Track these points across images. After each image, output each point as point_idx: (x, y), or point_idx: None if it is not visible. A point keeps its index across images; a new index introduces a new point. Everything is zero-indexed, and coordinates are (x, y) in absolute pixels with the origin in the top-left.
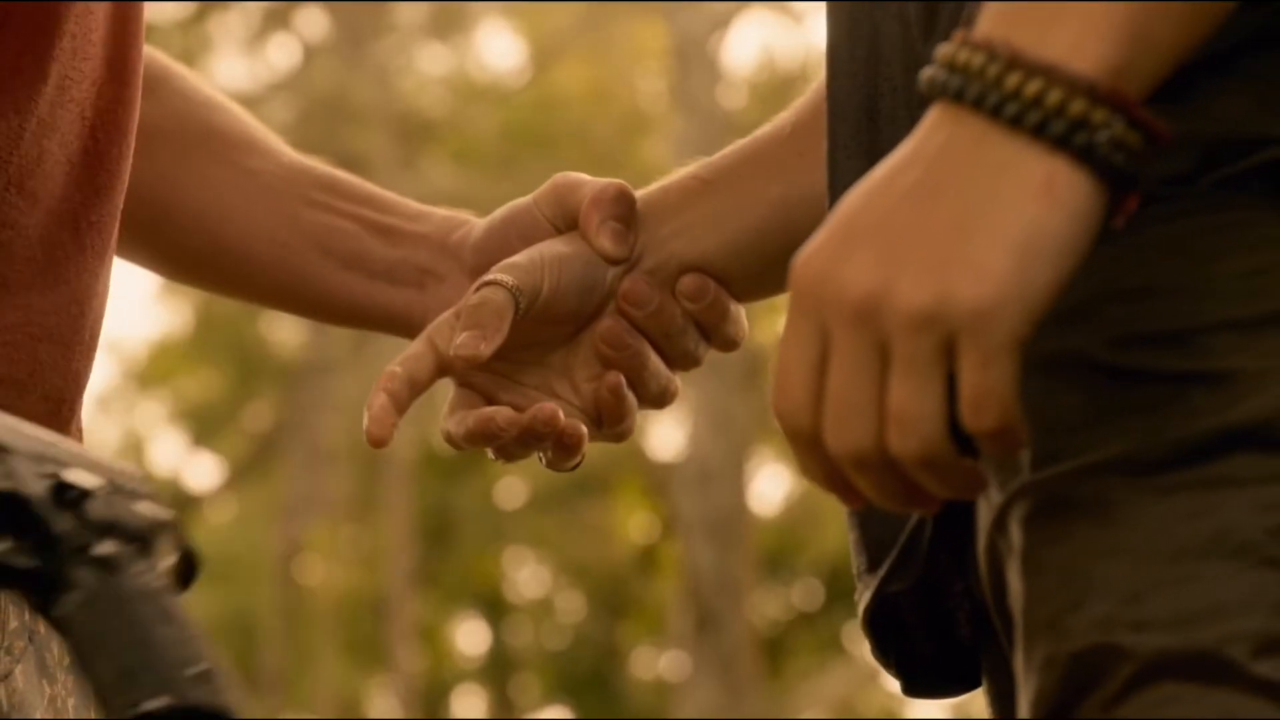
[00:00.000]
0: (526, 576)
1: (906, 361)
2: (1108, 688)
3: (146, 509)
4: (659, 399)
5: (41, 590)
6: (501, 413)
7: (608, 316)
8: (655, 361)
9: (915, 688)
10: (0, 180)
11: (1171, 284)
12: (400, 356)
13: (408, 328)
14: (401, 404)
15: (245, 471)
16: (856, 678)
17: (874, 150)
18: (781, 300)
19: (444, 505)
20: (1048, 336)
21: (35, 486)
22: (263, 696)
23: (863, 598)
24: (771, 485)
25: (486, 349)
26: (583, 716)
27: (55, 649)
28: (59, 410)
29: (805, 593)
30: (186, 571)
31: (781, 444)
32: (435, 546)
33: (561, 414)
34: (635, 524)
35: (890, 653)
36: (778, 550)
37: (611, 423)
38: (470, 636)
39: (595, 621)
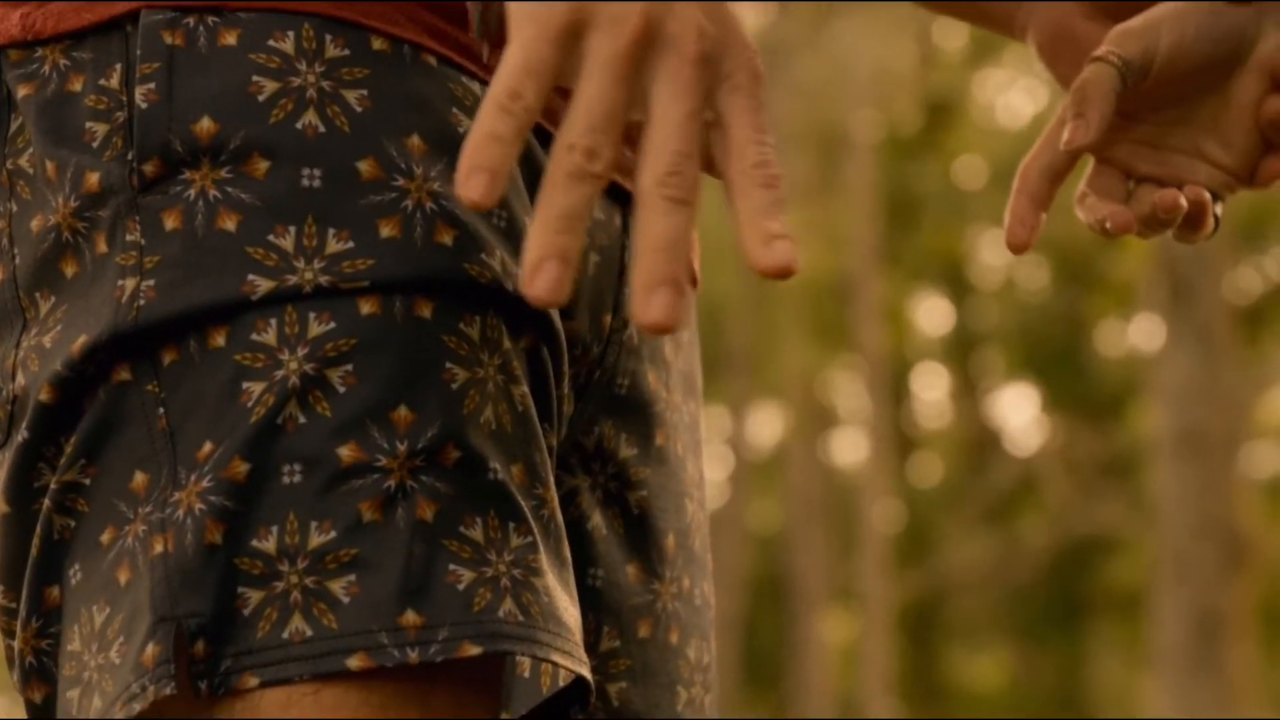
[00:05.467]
0: (988, 254)
1: None
2: None
3: None
4: None
5: None
6: (1113, 216)
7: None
8: None
9: None
10: None
11: None
12: (1028, 156)
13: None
14: (1041, 201)
15: None
16: None
17: None
18: None
19: (905, 185)
20: None
21: None
22: (732, 378)
23: None
24: None
25: (1086, 136)
26: (1049, 392)
27: None
28: None
29: None
30: None
31: None
32: (897, 226)
33: (1183, 200)
34: None
35: None
36: (1253, 219)
37: (1267, 174)
38: (932, 315)
39: (1060, 296)
